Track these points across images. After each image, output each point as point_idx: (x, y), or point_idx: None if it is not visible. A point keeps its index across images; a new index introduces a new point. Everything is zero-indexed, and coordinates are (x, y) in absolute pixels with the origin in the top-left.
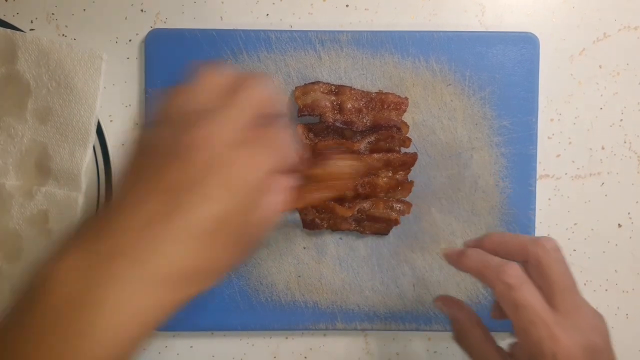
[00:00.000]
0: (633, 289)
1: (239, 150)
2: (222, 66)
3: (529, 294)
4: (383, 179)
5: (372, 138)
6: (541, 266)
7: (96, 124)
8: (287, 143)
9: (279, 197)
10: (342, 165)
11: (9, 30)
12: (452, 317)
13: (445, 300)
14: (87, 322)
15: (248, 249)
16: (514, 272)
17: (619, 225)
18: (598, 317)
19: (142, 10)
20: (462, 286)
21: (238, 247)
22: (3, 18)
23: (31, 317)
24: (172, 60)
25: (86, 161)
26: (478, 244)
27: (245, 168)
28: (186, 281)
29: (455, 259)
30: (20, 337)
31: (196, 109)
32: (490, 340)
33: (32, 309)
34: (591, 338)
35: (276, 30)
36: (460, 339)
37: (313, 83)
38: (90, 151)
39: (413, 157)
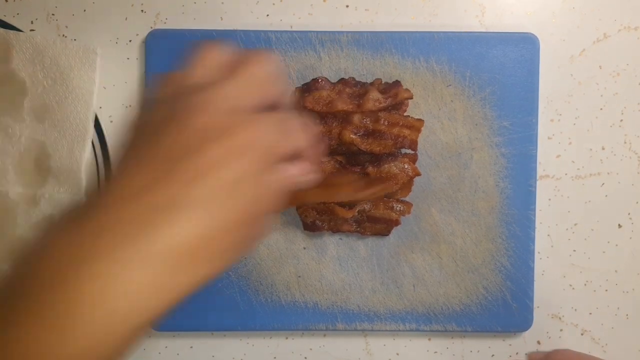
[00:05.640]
0: (633, 289)
1: (244, 119)
2: (223, 44)
3: None
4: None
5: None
6: None
7: (93, 119)
8: (296, 126)
9: (285, 177)
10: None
11: (2, 30)
12: None
13: None
14: (70, 302)
15: (256, 226)
16: None
17: (619, 226)
18: None
19: (142, 11)
20: (462, 286)
21: (247, 217)
22: (3, 19)
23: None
24: (172, 61)
25: (85, 157)
26: (547, 358)
27: (251, 135)
28: (189, 258)
29: None
30: (6, 319)
31: (195, 82)
32: None
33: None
34: None
35: (276, 31)
36: None
37: (314, 80)
38: (89, 147)
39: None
